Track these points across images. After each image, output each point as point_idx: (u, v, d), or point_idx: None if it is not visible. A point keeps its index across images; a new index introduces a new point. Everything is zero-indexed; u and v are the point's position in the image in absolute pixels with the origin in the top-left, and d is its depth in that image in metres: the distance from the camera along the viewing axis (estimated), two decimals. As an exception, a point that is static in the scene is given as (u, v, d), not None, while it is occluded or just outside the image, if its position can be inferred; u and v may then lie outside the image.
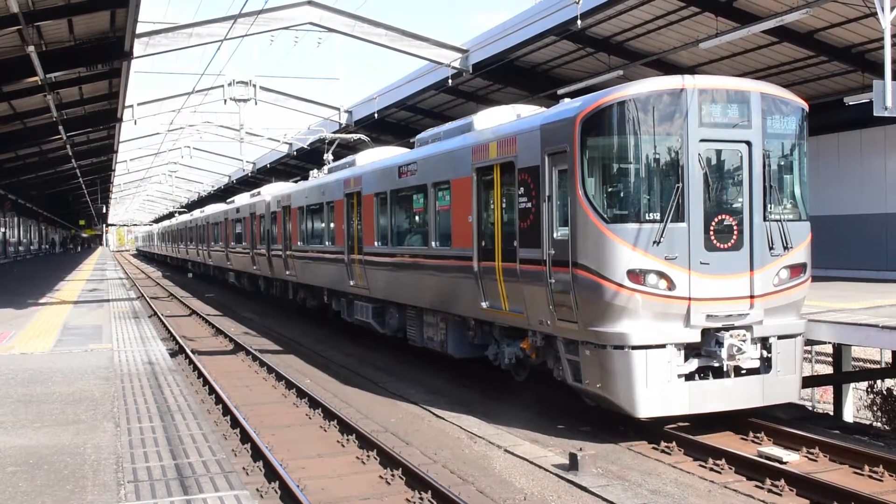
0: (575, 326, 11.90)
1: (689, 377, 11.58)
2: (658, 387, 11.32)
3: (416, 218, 17.84)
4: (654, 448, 11.69)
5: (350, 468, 11.10)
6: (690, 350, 11.62)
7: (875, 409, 17.61)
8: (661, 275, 11.36)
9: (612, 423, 12.67)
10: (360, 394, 15.99)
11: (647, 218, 11.47)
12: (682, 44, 21.69)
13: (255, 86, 35.14)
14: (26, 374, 13.08)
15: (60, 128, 29.72)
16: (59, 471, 7.85)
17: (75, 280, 39.90)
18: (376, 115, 32.11)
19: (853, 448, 11.04)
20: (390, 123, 35.57)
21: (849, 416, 16.97)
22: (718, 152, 11.98)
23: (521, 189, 13.04)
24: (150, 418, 10.22)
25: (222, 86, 34.78)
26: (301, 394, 15.57)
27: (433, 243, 16.33)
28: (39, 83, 21.70)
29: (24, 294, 28.96)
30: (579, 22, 19.17)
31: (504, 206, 13.80)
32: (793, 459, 10.82)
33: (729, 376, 11.71)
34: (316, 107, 37.09)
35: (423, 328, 17.42)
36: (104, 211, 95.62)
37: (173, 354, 19.21)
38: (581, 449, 10.72)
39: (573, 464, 10.56)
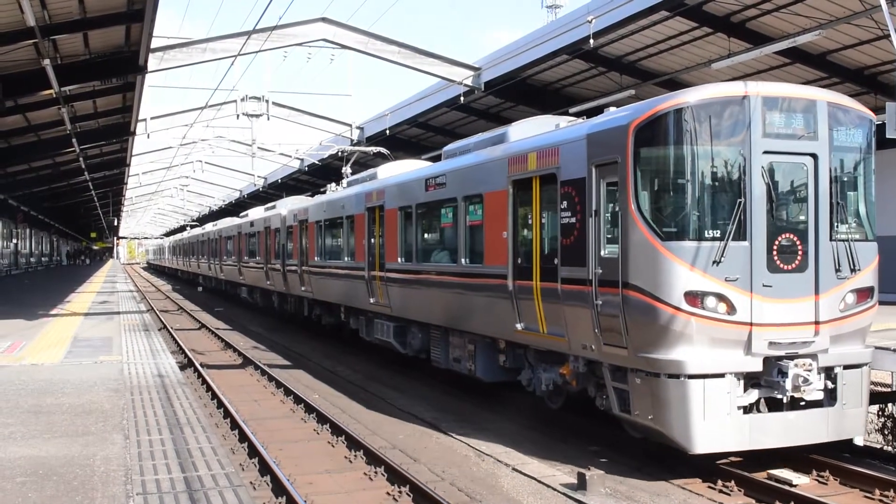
0: (624, 352, 10.99)
1: (746, 410, 10.74)
2: (716, 420, 10.43)
3: (445, 233, 16.90)
4: (663, 468, 11.62)
5: (357, 484, 11.07)
6: (748, 380, 10.76)
7: (886, 432, 17.48)
8: (721, 297, 10.51)
9: (621, 443, 12.63)
10: (368, 410, 15.97)
11: (707, 236, 10.60)
12: (695, 64, 21.76)
13: (267, 101, 35.34)
14: (36, 384, 13.13)
15: (74, 140, 29.93)
16: (69, 482, 7.87)
17: (86, 292, 40.06)
18: (388, 131, 32.23)
19: (864, 472, 10.96)
20: (401, 140, 35.71)
21: (859, 439, 16.84)
22: (782, 165, 11.09)
23: (564, 203, 12.13)
24: (159, 431, 10.25)
25: (235, 101, 34.98)
26: (309, 409, 15.56)
27: (463, 260, 15.41)
28: (54, 96, 21.86)
29: (36, 305, 29.08)
30: (592, 41, 19.24)
31: (544, 221, 12.94)
32: (803, 482, 10.75)
33: (790, 409, 10.89)
34: (328, 123, 37.27)
35: (449, 349, 16.49)
36: (115, 224, 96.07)
37: (182, 367, 19.24)
38: (589, 468, 10.67)
39: (581, 483, 10.50)
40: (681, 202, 10.79)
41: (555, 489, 10.67)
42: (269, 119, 35.61)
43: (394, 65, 24.99)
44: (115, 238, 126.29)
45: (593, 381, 12.32)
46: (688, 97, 10.78)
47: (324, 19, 23.81)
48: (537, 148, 13.06)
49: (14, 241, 65.53)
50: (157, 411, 11.48)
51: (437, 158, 19.71)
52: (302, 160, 45.16)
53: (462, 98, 25.74)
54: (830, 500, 10.00)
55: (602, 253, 11.34)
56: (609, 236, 11.34)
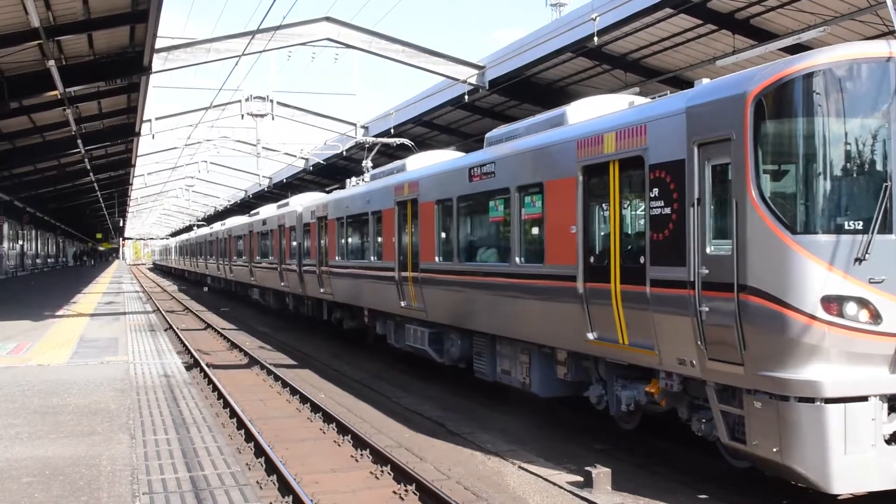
0: (738, 370, 9.13)
1: (889, 440, 8.97)
2: (859, 453, 8.64)
3: (494, 229, 15.09)
4: (669, 466, 11.61)
5: (363, 483, 11.07)
6: (890, 403, 9.03)
7: None
8: (863, 303, 8.71)
9: (627, 441, 12.62)
10: (374, 409, 15.98)
11: (847, 228, 8.81)
12: (699, 61, 21.73)
13: (272, 101, 35.40)
14: (43, 385, 13.15)
15: (79, 141, 30.00)
16: (75, 482, 7.88)
17: (92, 293, 40.15)
18: (393, 130, 32.24)
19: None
20: (406, 138, 35.75)
21: None
22: None
23: (655, 191, 10.26)
24: (165, 430, 10.26)
25: (239, 101, 35.06)
26: (315, 408, 15.57)
27: (517, 259, 13.52)
28: (59, 97, 21.92)
29: (42, 306, 29.14)
30: (596, 39, 19.23)
31: (625, 212, 11.12)
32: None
33: None
34: (332, 122, 37.29)
35: (497, 360, 14.78)
36: (121, 224, 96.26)
37: (188, 367, 19.25)
38: (596, 466, 10.66)
39: (588, 481, 10.51)
40: (815, 187, 9.02)
41: (561, 487, 10.66)
42: (273, 119, 35.71)
43: (398, 64, 25.03)
44: (121, 239, 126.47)
45: (686, 402, 10.61)
46: (819, 58, 9.00)
47: (328, 18, 23.85)
48: (616, 127, 11.12)
49: (20, 242, 65.69)
50: (164, 411, 11.50)
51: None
52: (307, 160, 45.24)
53: (467, 97, 25.75)
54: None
55: (708, 250, 9.54)
56: (717, 230, 9.58)
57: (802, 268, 8.69)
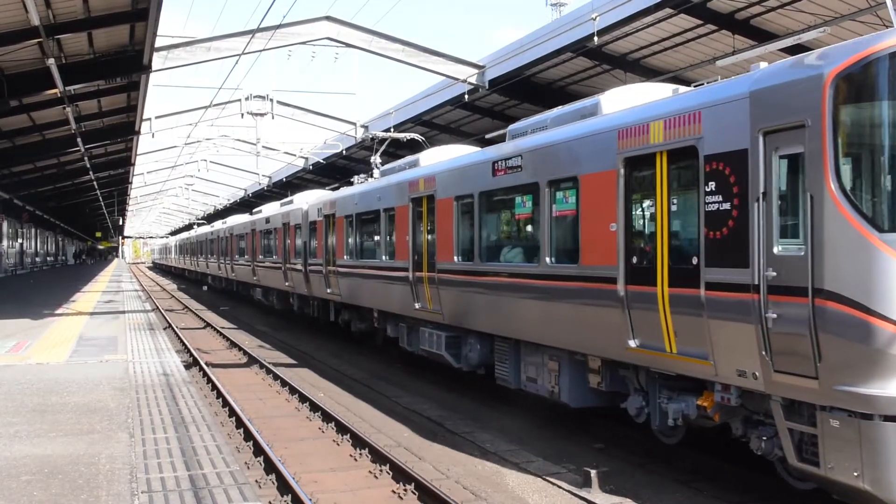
0: (812, 383, 8.16)
1: None
2: None
3: (520, 226, 14.34)
4: (668, 465, 11.61)
5: (363, 482, 11.08)
6: None
7: None
8: None
9: (625, 440, 12.62)
10: (373, 408, 15.98)
11: None
12: (699, 61, 21.74)
13: (272, 100, 35.41)
14: (42, 383, 13.15)
15: (79, 140, 30.02)
16: (74, 480, 7.88)
17: (91, 291, 40.15)
18: (392, 129, 32.22)
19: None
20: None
21: None
22: None
23: (711, 184, 9.34)
24: (164, 429, 10.26)
25: (239, 100, 35.08)
26: (314, 407, 15.57)
27: (547, 259, 12.58)
28: (59, 95, 21.94)
29: (41, 304, 29.14)
30: (596, 39, 19.23)
31: (675, 208, 10.12)
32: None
33: None
34: (332, 121, 37.29)
35: (521, 367, 13.95)
36: (120, 223, 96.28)
37: (188, 366, 19.24)
38: (595, 466, 10.67)
39: (586, 481, 10.52)
40: None
41: (560, 487, 10.67)
42: (273, 118, 35.70)
43: (398, 63, 25.05)
44: (121, 237, 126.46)
45: (742, 417, 9.72)
46: None
47: (328, 18, 23.87)
48: (664, 115, 10.21)
49: (19, 240, 65.69)
50: (163, 410, 11.50)
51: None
52: (306, 159, 45.26)
53: (466, 96, 25.77)
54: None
55: (775, 250, 8.59)
56: (786, 227, 8.69)
57: (891, 270, 7.77)
